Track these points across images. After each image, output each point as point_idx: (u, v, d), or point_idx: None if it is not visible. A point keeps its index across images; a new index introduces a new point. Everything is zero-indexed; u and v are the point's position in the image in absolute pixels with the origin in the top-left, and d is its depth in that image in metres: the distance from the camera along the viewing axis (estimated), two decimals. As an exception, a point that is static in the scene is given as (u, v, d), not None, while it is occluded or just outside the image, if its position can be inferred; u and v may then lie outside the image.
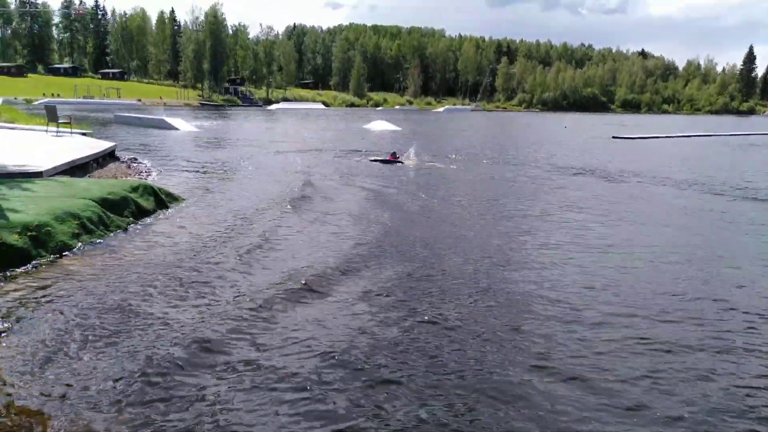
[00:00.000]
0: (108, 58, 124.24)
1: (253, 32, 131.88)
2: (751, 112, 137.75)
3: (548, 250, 7.81)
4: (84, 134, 18.88)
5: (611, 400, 3.93)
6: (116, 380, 3.95)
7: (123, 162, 15.10)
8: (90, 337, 4.59)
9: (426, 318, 5.26)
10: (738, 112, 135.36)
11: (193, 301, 5.48)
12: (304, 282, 6.08)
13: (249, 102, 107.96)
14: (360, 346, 4.63)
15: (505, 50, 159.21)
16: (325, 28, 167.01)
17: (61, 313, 5.06)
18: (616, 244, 8.33)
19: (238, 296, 5.64)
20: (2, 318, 4.90)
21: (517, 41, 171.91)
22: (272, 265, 6.72)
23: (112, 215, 8.03)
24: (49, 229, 6.75)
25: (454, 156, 21.13)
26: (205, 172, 14.78)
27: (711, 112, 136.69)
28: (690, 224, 10.11)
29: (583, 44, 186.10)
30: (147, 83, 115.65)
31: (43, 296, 5.43)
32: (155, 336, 4.65)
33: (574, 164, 19.18)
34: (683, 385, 4.16)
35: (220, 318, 5.07)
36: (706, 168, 19.00)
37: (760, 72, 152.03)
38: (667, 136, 37.74)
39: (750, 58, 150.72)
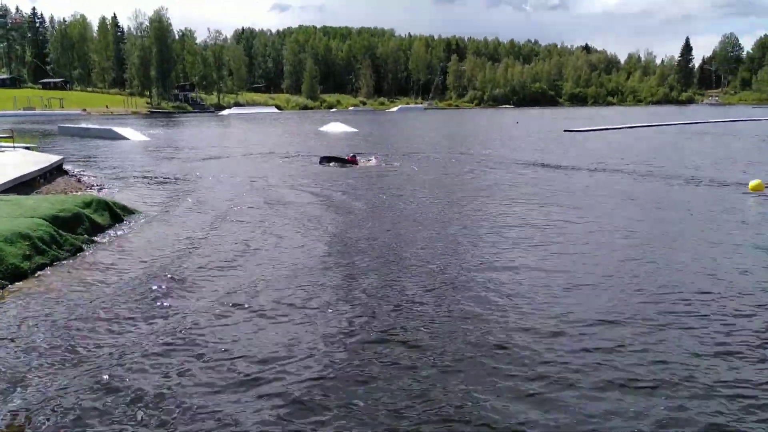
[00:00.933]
0: (48, 68, 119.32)
1: (200, 37, 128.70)
2: (689, 101, 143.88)
3: (516, 248, 7.94)
4: (28, 148, 18.14)
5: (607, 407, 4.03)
6: (72, 408, 3.80)
7: (72, 176, 14.57)
8: (45, 363, 4.40)
9: (387, 331, 5.27)
10: (678, 102, 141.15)
11: (149, 320, 5.32)
12: (260, 298, 5.99)
13: (200, 108, 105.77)
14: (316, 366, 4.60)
15: (455, 48, 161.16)
16: (274, 31, 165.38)
17: (13, 340, 4.83)
18: (584, 237, 8.54)
19: (188, 314, 5.51)
20: (-47, 350, 4.64)
21: (466, 39, 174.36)
22: (226, 280, 6.60)
23: (64, 233, 7.71)
24: (-1, 252, 6.44)
25: (413, 156, 21.23)
26: (158, 183, 14.40)
27: (653, 103, 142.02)
28: (648, 211, 10.46)
29: (529, 40, 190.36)
30: (91, 92, 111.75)
31: (-3, 323, 5.18)
32: (112, 359, 4.50)
33: (530, 159, 19.57)
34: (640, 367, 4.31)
35: (171, 337, 4.94)
36: (656, 156, 19.69)
37: (696, 62, 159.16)
38: (616, 128, 38.96)
39: (687, 50, 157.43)
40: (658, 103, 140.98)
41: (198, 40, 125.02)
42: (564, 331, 5.04)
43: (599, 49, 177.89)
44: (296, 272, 6.76)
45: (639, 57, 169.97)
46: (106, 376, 4.20)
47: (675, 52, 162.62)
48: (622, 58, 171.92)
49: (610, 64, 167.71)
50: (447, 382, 4.17)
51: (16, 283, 6.25)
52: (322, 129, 40.81)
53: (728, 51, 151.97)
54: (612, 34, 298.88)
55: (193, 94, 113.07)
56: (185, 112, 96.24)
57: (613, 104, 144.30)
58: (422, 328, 5.13)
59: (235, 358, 4.54)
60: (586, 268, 6.95)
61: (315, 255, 7.51)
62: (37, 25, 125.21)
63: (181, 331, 5.03)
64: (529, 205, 11.09)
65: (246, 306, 5.65)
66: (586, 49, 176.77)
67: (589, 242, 8.22)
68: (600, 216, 10.02)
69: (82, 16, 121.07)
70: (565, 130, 36.20)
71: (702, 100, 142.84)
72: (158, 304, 5.72)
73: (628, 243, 8.13)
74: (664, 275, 6.63)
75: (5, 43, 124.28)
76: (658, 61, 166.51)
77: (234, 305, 5.67)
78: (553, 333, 5.01)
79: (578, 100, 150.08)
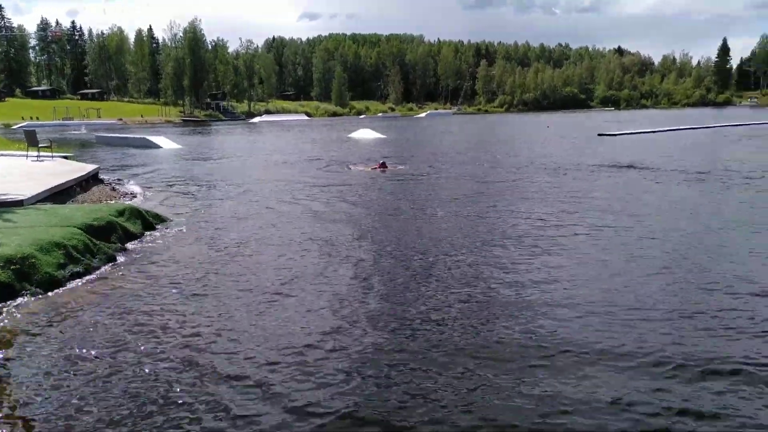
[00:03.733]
0: (87, 79, 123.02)
1: (232, 46, 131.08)
2: (727, 103, 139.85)
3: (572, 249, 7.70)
4: (66, 157, 18.56)
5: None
6: (111, 421, 3.74)
7: (107, 184, 14.81)
8: (81, 374, 4.37)
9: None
10: (715, 104, 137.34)
11: (187, 331, 5.27)
12: (296, 309, 5.90)
13: (231, 116, 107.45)
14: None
15: (484, 53, 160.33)
16: (304, 39, 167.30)
17: (50, 350, 4.83)
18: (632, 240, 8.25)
19: (217, 323, 5.44)
20: (-13, 359, 4.66)
21: (495, 44, 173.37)
22: (258, 289, 6.53)
23: (98, 242, 7.78)
24: (34, 260, 6.50)
25: (445, 161, 21.03)
26: (190, 191, 14.54)
27: (688, 105, 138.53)
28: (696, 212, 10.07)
29: (560, 44, 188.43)
30: (127, 102, 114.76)
31: (30, 333, 5.20)
32: (149, 371, 4.45)
33: (565, 162, 19.15)
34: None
35: (213, 351, 4.87)
36: (694, 158, 19.06)
37: (734, 64, 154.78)
38: (652, 131, 38.04)
39: (724, 51, 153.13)
40: (694, 105, 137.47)
41: (230, 50, 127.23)
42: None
43: (632, 51, 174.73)
44: (333, 282, 6.66)
45: (674, 59, 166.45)
46: (136, 385, 4.15)
47: (711, 53, 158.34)
48: (657, 60, 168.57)
49: (643, 66, 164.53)
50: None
51: (50, 292, 6.29)
52: (351, 135, 40.93)
53: (767, 51, 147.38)
54: (646, 36, 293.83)
55: (225, 103, 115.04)
56: (217, 120, 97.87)
57: (646, 107, 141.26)
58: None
59: (273, 372, 4.44)
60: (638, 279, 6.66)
61: (348, 263, 7.40)
62: (76, 37, 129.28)
63: (210, 343, 4.96)
64: (573, 211, 10.79)
65: (281, 316, 5.56)
66: (619, 51, 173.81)
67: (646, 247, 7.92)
68: (654, 222, 9.67)
69: (120, 29, 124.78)
70: (599, 134, 35.46)
71: (740, 102, 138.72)
72: (188, 312, 5.68)
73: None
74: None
75: (45, 56, 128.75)
76: (693, 63, 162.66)
77: (266, 315, 5.59)
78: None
79: (611, 103, 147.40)
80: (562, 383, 4.16)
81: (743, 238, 8.60)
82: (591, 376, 4.27)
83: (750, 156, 20.86)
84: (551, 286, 6.39)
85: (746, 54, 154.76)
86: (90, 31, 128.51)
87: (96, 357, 4.69)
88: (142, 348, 4.85)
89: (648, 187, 13.83)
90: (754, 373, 4.29)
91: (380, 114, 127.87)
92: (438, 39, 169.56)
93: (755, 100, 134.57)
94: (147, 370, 4.44)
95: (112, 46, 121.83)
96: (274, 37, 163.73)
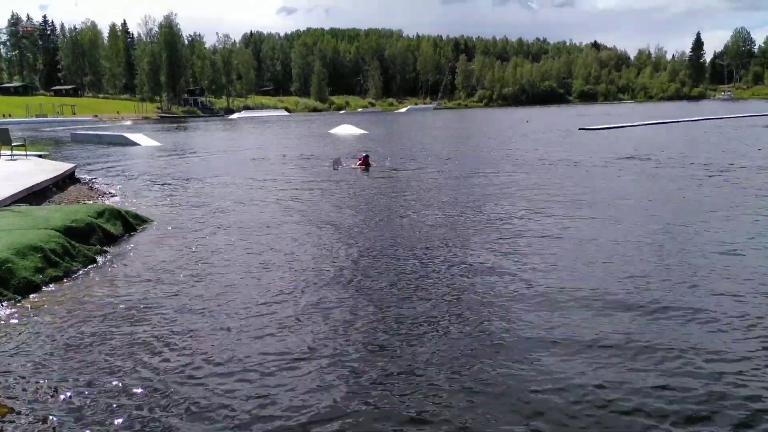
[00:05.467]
0: (60, 75, 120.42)
1: (209, 42, 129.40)
2: (701, 96, 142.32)
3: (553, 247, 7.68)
4: (40, 156, 18.10)
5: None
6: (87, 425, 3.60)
7: (84, 184, 14.47)
8: (58, 382, 4.21)
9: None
10: (690, 98, 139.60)
11: (170, 336, 5.13)
12: (281, 307, 5.79)
13: (209, 112, 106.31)
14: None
15: (463, 48, 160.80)
16: (282, 34, 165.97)
17: (29, 357, 4.65)
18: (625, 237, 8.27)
19: (201, 326, 5.31)
20: (-36, 371, 4.47)
21: (474, 38, 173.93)
22: (243, 290, 6.40)
23: (77, 244, 7.55)
24: (11, 265, 6.28)
25: (426, 156, 21.00)
26: (171, 190, 14.27)
27: (664, 99, 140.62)
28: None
29: (538, 38, 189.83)
30: (103, 98, 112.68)
31: (7, 341, 5.01)
32: (131, 377, 4.31)
33: (550, 158, 19.25)
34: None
35: (197, 354, 4.74)
36: (677, 151, 19.30)
37: (708, 58, 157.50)
38: (632, 125, 38.43)
39: (698, 45, 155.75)
40: (670, 99, 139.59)
41: (207, 45, 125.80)
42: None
43: (609, 45, 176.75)
44: (317, 283, 6.55)
45: (649, 53, 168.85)
46: (115, 391, 4.01)
47: (686, 47, 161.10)
48: (632, 55, 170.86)
49: (620, 60, 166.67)
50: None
51: (29, 297, 6.09)
52: (332, 131, 40.68)
53: (740, 45, 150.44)
54: (621, 30, 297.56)
55: (203, 99, 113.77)
56: (195, 117, 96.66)
57: (624, 101, 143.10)
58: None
59: (260, 375, 4.33)
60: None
61: (332, 264, 7.30)
62: (48, 32, 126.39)
63: (193, 346, 4.83)
64: (559, 208, 10.81)
65: (266, 317, 5.44)
66: (596, 46, 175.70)
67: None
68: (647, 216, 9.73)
69: (93, 23, 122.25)
70: (580, 129, 35.74)
71: (714, 96, 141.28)
72: (172, 316, 5.53)
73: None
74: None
75: (17, 51, 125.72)
76: (668, 57, 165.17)
77: (253, 317, 5.46)
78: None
79: (588, 97, 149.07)
80: (559, 373, 4.13)
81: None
82: (591, 372, 4.25)
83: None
84: (547, 277, 6.37)
85: (720, 48, 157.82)
86: (62, 25, 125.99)
87: (75, 363, 4.53)
88: (123, 353, 4.70)
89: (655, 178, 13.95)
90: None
91: (360, 109, 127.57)
92: (417, 33, 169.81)
93: (729, 93, 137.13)
94: (128, 376, 4.29)
95: (85, 40, 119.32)
96: (251, 32, 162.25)
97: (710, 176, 14.30)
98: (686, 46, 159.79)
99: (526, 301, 5.83)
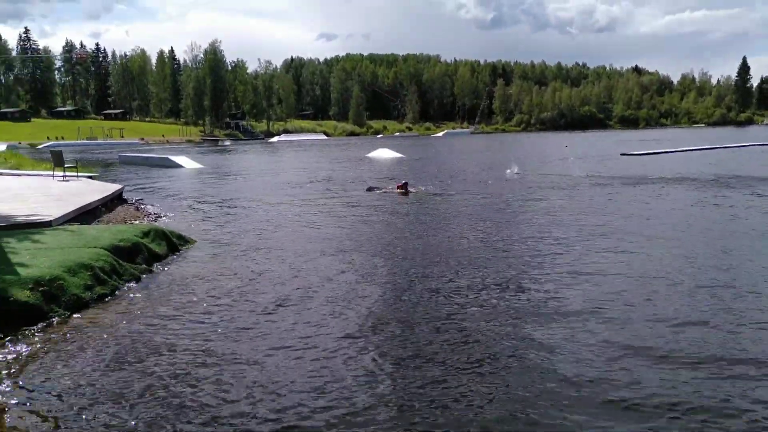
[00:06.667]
0: (110, 99, 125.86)
1: (251, 67, 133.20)
2: (749, 122, 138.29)
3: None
4: (90, 177, 18.81)
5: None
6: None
7: (131, 204, 14.94)
8: (104, 400, 4.29)
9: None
10: (736, 123, 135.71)
11: (214, 357, 5.18)
12: (324, 336, 5.79)
13: (250, 135, 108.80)
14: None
15: (501, 72, 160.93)
16: (322, 59, 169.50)
17: (76, 374, 4.77)
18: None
19: (243, 350, 5.35)
20: (14, 380, 4.61)
21: (512, 63, 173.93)
22: (283, 315, 6.43)
23: (124, 263, 7.77)
24: (62, 282, 6.49)
25: (465, 180, 20.91)
26: (213, 211, 14.59)
27: (709, 124, 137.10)
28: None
29: (577, 63, 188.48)
30: (149, 122, 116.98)
31: (58, 356, 5.15)
32: (176, 395, 4.35)
33: (590, 182, 18.93)
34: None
35: (240, 378, 4.77)
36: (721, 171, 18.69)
37: (754, 82, 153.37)
38: (677, 150, 37.46)
39: (744, 69, 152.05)
40: (715, 124, 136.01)
41: (249, 70, 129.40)
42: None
43: (651, 70, 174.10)
44: (364, 310, 6.55)
45: (693, 77, 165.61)
46: (161, 410, 4.05)
47: (731, 72, 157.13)
48: (675, 79, 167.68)
49: (662, 85, 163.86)
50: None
51: (78, 314, 6.27)
52: (369, 155, 41.02)
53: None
54: (663, 55, 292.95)
55: (244, 122, 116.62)
56: (237, 140, 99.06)
57: (666, 126, 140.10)
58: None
59: (305, 402, 4.32)
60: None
61: (375, 299, 7.29)
62: (100, 59, 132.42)
63: (236, 370, 4.86)
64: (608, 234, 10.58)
65: (309, 347, 5.45)
66: (637, 70, 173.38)
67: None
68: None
69: (142, 51, 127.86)
70: (622, 154, 35.04)
71: (762, 121, 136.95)
72: (213, 336, 5.60)
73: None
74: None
75: (70, 77, 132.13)
76: (713, 82, 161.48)
77: (293, 344, 5.48)
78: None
79: (629, 122, 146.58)
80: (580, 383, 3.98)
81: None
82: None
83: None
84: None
85: (766, 72, 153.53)
86: (113, 52, 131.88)
87: (122, 381, 4.61)
88: (168, 372, 4.77)
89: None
90: None
91: (398, 133, 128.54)
92: (454, 58, 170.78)
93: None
94: (174, 394, 4.34)
95: (134, 67, 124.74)
96: (292, 58, 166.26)
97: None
98: (731, 71, 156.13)
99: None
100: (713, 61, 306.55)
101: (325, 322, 6.02)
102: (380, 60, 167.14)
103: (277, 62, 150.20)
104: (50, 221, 9.60)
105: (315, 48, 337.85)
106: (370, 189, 18.12)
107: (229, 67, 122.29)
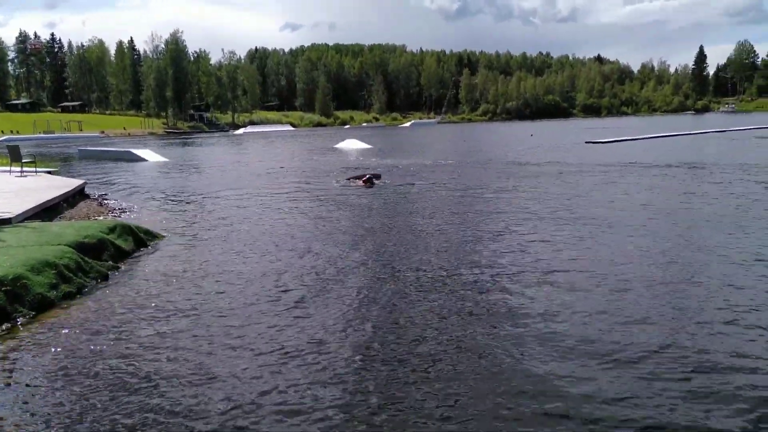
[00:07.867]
0: (67, 91, 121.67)
1: (215, 58, 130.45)
2: (705, 109, 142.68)
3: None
4: (50, 172, 18.26)
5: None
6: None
7: (94, 200, 14.55)
8: (73, 397, 4.22)
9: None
10: (694, 110, 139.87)
11: (182, 353, 5.14)
12: (293, 329, 5.79)
13: (215, 127, 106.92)
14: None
15: (466, 62, 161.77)
16: (287, 49, 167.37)
17: (42, 374, 4.67)
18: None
19: (216, 344, 5.32)
20: (-18, 387, 4.49)
21: (477, 53, 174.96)
22: (254, 307, 6.41)
23: (90, 261, 7.60)
24: (26, 281, 6.32)
25: (432, 170, 21.03)
26: (180, 205, 14.34)
27: (668, 112, 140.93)
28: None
29: (541, 53, 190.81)
30: (109, 114, 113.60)
31: (21, 358, 5.03)
32: (144, 393, 4.31)
33: (557, 169, 19.27)
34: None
35: (209, 374, 4.75)
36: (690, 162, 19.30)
37: (711, 71, 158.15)
38: (640, 138, 38.33)
39: (701, 58, 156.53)
40: (674, 112, 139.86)
41: (212, 61, 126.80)
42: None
43: (612, 59, 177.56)
44: (335, 302, 6.56)
45: (652, 66, 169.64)
46: (130, 407, 4.01)
47: (689, 61, 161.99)
48: (635, 68, 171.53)
49: (623, 74, 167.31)
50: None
51: (43, 313, 6.12)
52: (337, 146, 40.86)
53: (743, 58, 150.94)
54: (624, 45, 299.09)
55: (209, 114, 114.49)
56: (201, 132, 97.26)
57: (627, 114, 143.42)
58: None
59: (279, 393, 4.33)
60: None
61: (345, 281, 7.31)
62: (56, 50, 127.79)
63: (206, 365, 4.83)
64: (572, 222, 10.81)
65: (279, 340, 5.45)
66: (599, 59, 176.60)
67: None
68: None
69: (100, 41, 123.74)
70: (587, 142, 35.73)
71: (718, 108, 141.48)
72: (185, 331, 5.54)
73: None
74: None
75: (25, 69, 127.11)
76: (672, 70, 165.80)
77: (262, 336, 5.47)
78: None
79: (592, 111, 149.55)
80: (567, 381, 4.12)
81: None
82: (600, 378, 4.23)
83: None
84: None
85: (722, 61, 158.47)
86: (69, 43, 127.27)
87: (89, 379, 4.53)
88: (136, 370, 4.71)
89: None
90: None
91: (365, 124, 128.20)
92: (420, 48, 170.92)
93: (732, 106, 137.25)
94: (142, 396, 4.30)
95: (92, 58, 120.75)
96: (256, 48, 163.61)
97: None
98: (689, 60, 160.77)
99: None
100: (672, 50, 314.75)
101: (295, 322, 5.98)
102: (346, 50, 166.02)
103: (242, 53, 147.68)
104: (10, 218, 9.30)
105: (280, 38, 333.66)
106: (341, 181, 18.05)
107: (192, 58, 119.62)
